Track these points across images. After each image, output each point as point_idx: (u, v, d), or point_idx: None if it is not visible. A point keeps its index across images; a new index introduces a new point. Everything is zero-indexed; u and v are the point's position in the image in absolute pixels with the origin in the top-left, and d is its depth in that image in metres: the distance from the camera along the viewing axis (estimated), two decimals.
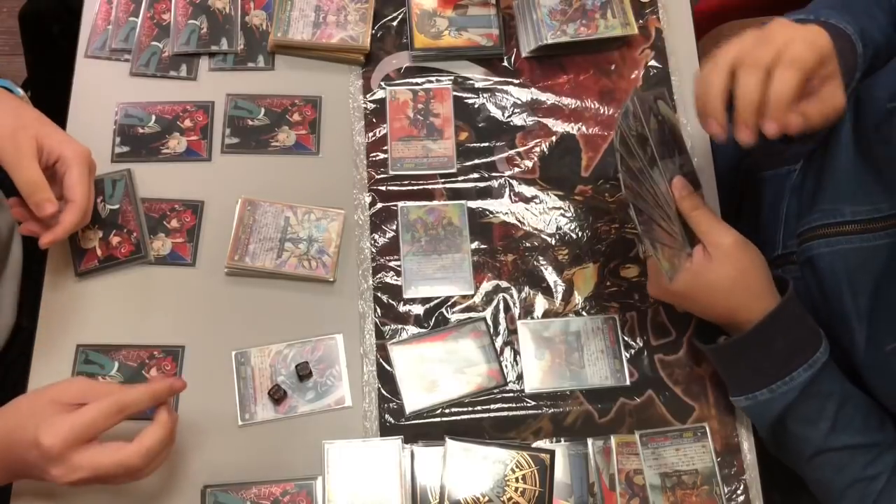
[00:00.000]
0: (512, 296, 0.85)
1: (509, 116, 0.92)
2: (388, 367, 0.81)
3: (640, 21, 0.96)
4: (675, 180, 0.76)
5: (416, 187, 0.88)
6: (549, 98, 0.93)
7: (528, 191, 0.90)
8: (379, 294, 0.84)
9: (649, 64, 0.96)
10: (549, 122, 0.92)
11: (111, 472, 0.65)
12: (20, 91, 0.80)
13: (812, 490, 0.78)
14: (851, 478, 0.73)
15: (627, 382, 0.83)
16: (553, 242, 0.88)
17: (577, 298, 0.86)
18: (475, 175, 0.90)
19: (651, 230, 0.75)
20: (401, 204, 0.87)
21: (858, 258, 0.76)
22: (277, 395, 0.78)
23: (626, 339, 0.85)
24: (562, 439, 0.81)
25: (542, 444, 0.80)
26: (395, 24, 0.95)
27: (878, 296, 0.73)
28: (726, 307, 0.77)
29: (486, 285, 0.86)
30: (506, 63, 0.94)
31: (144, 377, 0.79)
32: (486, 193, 0.89)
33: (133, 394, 0.67)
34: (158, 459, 0.69)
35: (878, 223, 0.74)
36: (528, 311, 0.85)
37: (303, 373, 0.79)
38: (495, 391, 0.82)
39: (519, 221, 0.89)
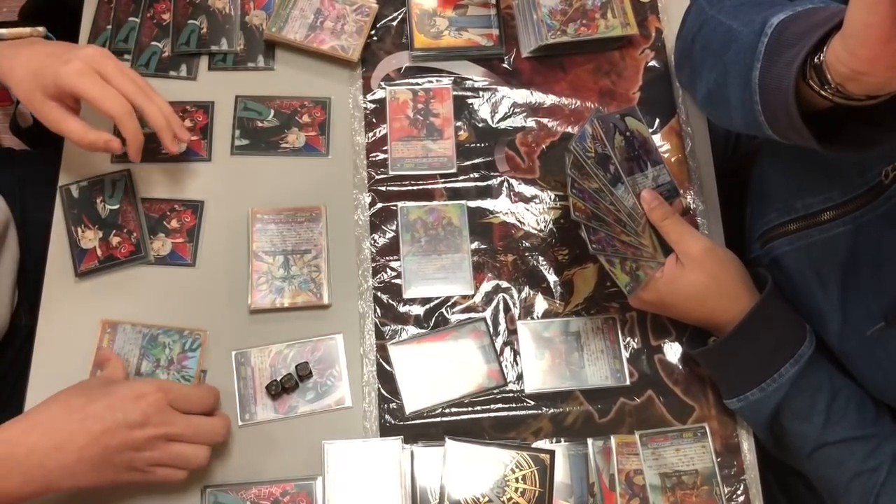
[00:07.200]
0: (512, 296, 0.85)
1: (509, 116, 0.92)
2: (388, 368, 0.81)
3: (640, 21, 0.96)
4: (643, 193, 0.78)
5: (415, 187, 0.88)
6: (549, 98, 0.93)
7: (528, 191, 0.90)
8: (379, 294, 0.84)
9: (649, 64, 0.95)
10: (549, 122, 0.92)
11: (202, 433, 0.71)
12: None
13: (818, 488, 0.79)
14: (852, 471, 0.73)
15: (627, 382, 0.83)
16: (553, 242, 0.88)
17: (577, 298, 0.86)
18: (475, 175, 0.90)
19: (608, 247, 0.77)
20: (401, 204, 0.87)
21: (821, 250, 0.76)
22: (274, 391, 0.78)
23: (626, 339, 0.85)
24: (562, 439, 0.81)
25: (542, 444, 0.80)
26: (395, 24, 0.95)
27: (847, 284, 0.74)
28: (704, 312, 0.78)
29: (486, 285, 0.86)
30: (506, 63, 0.94)
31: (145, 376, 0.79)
32: (485, 193, 0.89)
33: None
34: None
35: (832, 212, 0.75)
36: (528, 311, 0.85)
37: (303, 373, 0.79)
38: (495, 391, 0.82)
39: (519, 221, 0.88)
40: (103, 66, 0.75)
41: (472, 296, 0.85)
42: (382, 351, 0.82)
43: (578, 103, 0.93)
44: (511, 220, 0.88)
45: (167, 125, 0.79)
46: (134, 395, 0.68)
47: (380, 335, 0.83)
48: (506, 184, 0.90)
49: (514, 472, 0.77)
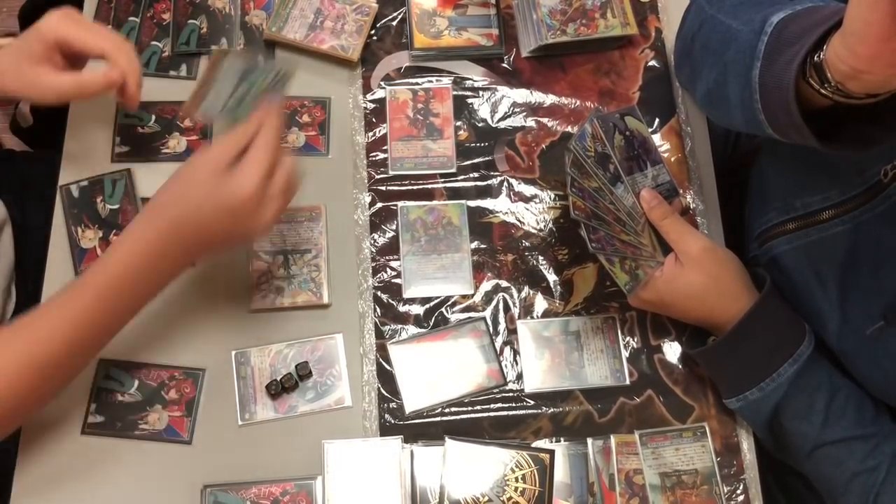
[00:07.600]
0: (512, 295, 0.85)
1: (509, 116, 0.92)
2: (388, 367, 0.81)
3: (640, 21, 0.96)
4: (642, 192, 0.78)
5: (415, 187, 0.88)
6: (548, 98, 0.93)
7: (528, 190, 0.90)
8: (379, 294, 0.84)
9: (649, 64, 0.96)
10: (549, 121, 0.92)
11: (291, 182, 0.69)
12: None
13: (818, 488, 0.79)
14: (851, 471, 0.73)
15: (627, 382, 0.83)
16: (553, 242, 0.88)
17: (577, 298, 0.86)
18: (475, 175, 0.90)
19: (607, 246, 0.77)
20: (400, 204, 0.87)
21: (819, 250, 0.77)
22: (274, 390, 0.78)
23: (625, 338, 0.85)
24: (561, 439, 0.81)
25: (542, 443, 0.80)
26: (395, 23, 0.95)
27: (846, 283, 0.74)
28: (703, 311, 0.78)
29: (486, 285, 0.86)
30: (505, 63, 0.94)
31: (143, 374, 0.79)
32: (485, 193, 0.89)
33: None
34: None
35: (830, 211, 0.75)
36: (527, 310, 0.85)
37: (303, 372, 0.79)
38: (495, 391, 0.82)
39: (519, 221, 0.89)
40: (79, 16, 0.74)
41: (472, 295, 0.85)
42: (382, 350, 0.82)
43: (578, 103, 0.93)
44: (511, 219, 0.88)
45: (137, 76, 0.75)
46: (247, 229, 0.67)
47: (380, 335, 0.83)
48: (506, 183, 0.90)
49: (513, 471, 0.77)
